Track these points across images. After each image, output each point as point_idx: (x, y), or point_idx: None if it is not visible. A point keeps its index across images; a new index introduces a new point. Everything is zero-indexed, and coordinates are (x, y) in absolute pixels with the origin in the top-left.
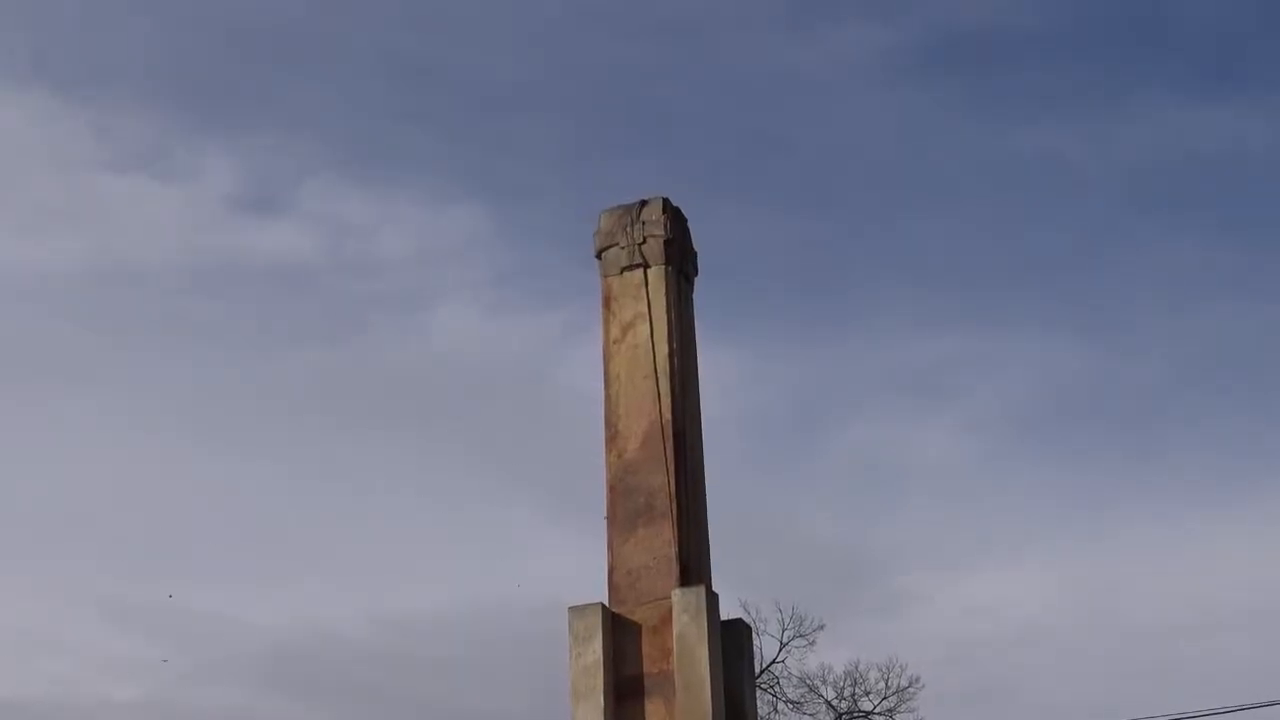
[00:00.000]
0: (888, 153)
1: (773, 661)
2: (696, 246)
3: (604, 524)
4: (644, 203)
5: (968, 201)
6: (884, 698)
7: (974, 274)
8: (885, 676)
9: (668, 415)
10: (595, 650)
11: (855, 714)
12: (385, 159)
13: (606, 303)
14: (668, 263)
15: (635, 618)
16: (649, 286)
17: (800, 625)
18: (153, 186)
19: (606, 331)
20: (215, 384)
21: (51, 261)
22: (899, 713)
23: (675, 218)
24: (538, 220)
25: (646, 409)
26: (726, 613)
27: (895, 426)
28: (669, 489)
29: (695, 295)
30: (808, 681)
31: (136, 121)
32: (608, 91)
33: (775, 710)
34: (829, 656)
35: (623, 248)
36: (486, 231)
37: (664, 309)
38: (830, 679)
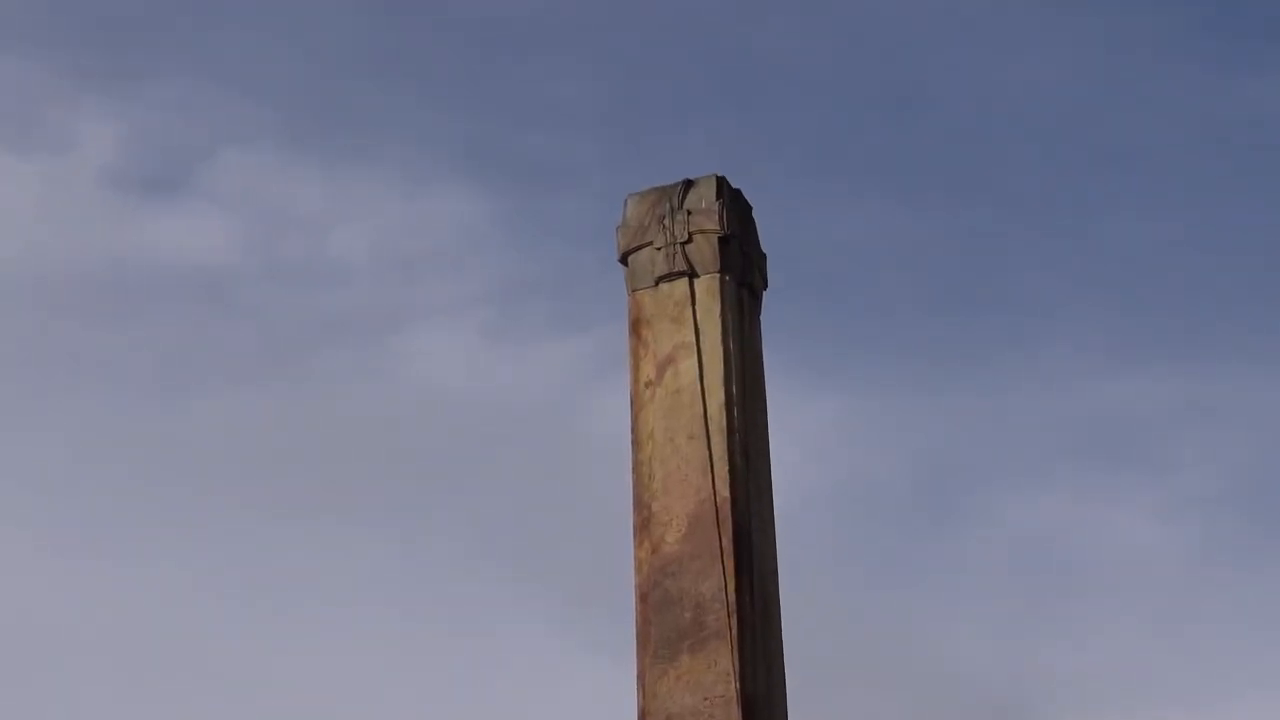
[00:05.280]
0: (1063, 114)
1: None
2: (768, 248)
3: (632, 646)
4: (689, 183)
5: (1181, 184)
6: None
7: (1190, 290)
8: None
9: (725, 492)
10: None
11: None
12: (342, 123)
13: (635, 328)
14: (724, 270)
15: None
16: (696, 305)
17: None
18: (8, 159)
19: (635, 370)
20: (96, 442)
21: None
22: None
23: (735, 205)
24: (558, 211)
25: (694, 482)
26: None
27: (1074, 507)
28: (726, 598)
29: (765, 317)
30: None
31: None
32: (663, 33)
33: None
34: None
35: (659, 248)
36: (485, 226)
37: (718, 338)
38: None
